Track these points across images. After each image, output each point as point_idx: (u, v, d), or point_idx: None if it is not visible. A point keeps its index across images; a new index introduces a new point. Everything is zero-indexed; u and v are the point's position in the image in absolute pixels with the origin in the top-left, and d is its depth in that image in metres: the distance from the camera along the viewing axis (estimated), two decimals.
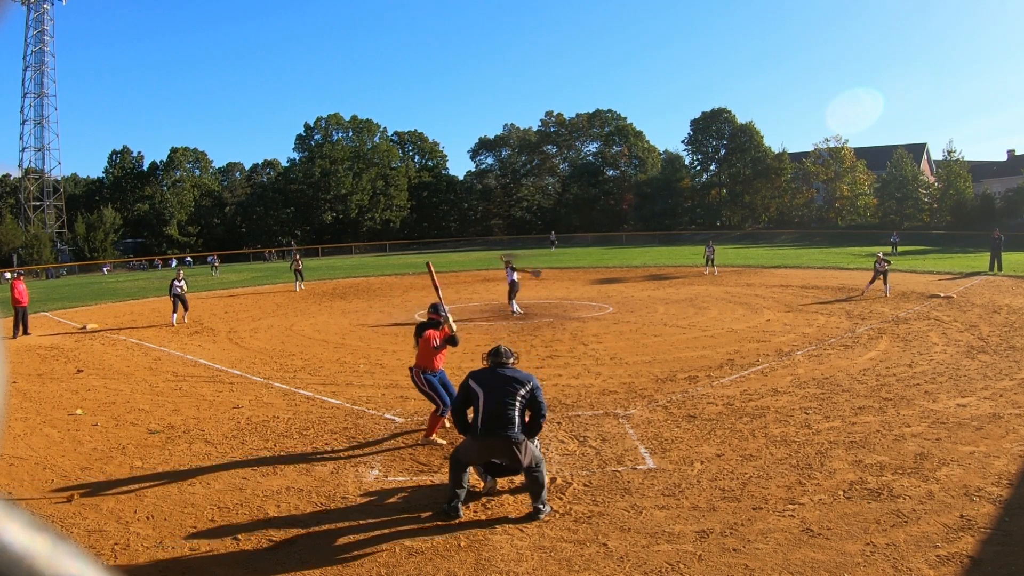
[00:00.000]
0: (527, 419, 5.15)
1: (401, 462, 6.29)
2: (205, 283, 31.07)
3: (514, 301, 16.25)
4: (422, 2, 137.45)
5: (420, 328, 7.03)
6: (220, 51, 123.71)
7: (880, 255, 18.27)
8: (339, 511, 5.21)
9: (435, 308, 7.03)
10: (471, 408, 5.26)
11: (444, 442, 6.67)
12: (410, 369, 6.89)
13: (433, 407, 6.74)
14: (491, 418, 5.01)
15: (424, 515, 5.10)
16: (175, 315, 16.60)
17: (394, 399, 8.56)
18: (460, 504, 5.04)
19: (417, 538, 4.72)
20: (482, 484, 5.49)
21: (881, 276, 17.71)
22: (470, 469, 5.22)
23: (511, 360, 5.30)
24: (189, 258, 55.58)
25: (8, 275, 44.24)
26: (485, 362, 5.41)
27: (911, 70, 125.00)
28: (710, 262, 26.29)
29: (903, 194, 52.15)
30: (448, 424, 6.96)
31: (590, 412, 7.68)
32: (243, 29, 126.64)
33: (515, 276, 16.28)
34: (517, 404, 5.04)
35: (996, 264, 23.70)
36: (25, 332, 15.34)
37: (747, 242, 51.15)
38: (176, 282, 16.65)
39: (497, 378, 5.14)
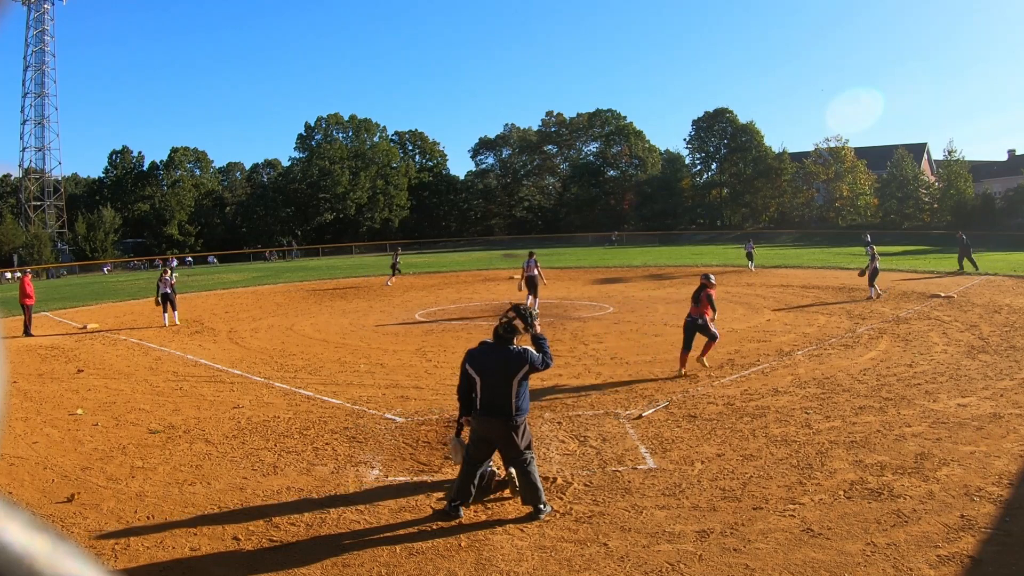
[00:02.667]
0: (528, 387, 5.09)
1: (401, 462, 6.29)
2: (205, 283, 31.08)
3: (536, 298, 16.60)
4: (422, 2, 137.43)
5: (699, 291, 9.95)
6: (220, 51, 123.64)
7: (868, 239, 18.20)
8: (339, 511, 5.21)
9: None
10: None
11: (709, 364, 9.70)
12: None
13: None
14: (490, 401, 5.00)
15: (424, 515, 5.10)
16: (166, 315, 16.34)
17: (394, 399, 8.56)
18: (462, 506, 5.04)
19: (417, 538, 4.72)
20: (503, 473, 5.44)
21: (868, 273, 17.07)
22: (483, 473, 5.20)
23: (513, 336, 5.11)
24: (189, 258, 55.60)
25: (14, 274, 44.32)
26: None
27: (911, 70, 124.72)
28: (751, 258, 27.23)
29: (904, 194, 52.13)
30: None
31: (591, 412, 7.68)
32: (243, 29, 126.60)
33: (537, 270, 16.63)
34: (514, 386, 4.96)
35: (968, 264, 23.34)
36: (27, 332, 15.35)
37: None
38: (164, 279, 16.27)
39: (494, 361, 5.02)
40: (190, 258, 55.75)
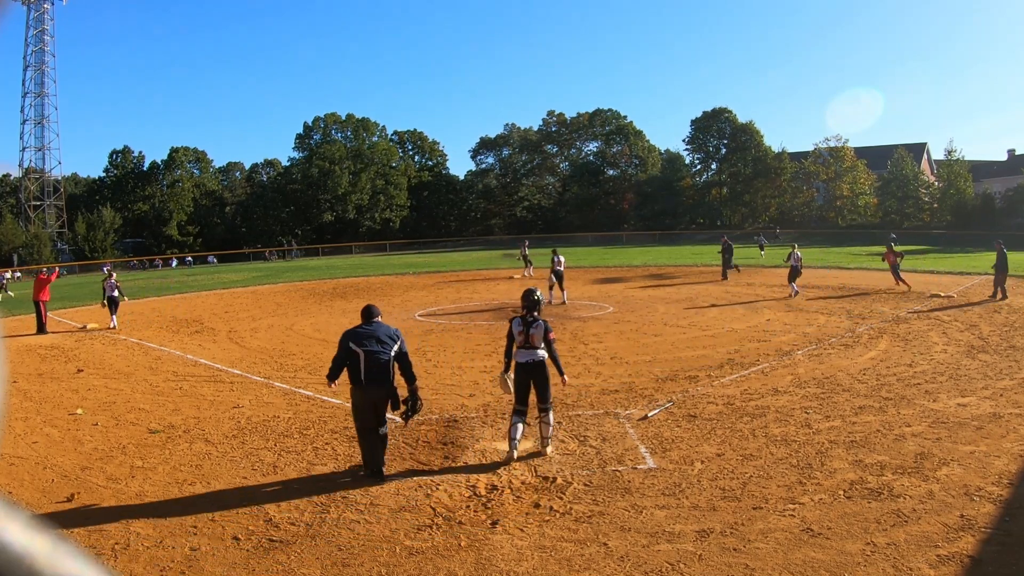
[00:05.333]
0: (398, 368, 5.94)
1: (401, 462, 6.29)
2: (205, 283, 31.05)
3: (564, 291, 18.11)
4: (422, 2, 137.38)
5: None
6: (220, 51, 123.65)
7: (795, 247, 18.61)
8: (339, 511, 5.21)
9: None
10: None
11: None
12: None
13: None
14: (372, 371, 5.74)
15: (424, 515, 5.10)
16: (114, 317, 16.18)
17: None
18: (381, 465, 5.80)
19: (417, 538, 4.72)
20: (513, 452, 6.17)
21: (791, 271, 17.92)
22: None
23: (378, 316, 6.14)
24: (189, 258, 55.60)
25: (14, 274, 44.31)
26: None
27: (911, 70, 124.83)
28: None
29: (904, 194, 52.13)
30: None
31: (590, 412, 7.68)
32: (243, 29, 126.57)
33: (560, 266, 18.09)
34: (391, 357, 5.83)
35: (724, 272, 22.98)
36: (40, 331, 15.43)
37: (747, 241, 51.15)
38: (109, 283, 16.12)
39: (373, 337, 5.86)
40: (190, 258, 55.70)
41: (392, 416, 7.76)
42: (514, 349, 6.31)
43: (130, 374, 10.77)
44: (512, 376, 6.32)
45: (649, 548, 4.44)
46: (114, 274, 17.32)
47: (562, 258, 18.31)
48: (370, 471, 5.80)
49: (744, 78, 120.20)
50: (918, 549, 4.26)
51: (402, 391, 5.96)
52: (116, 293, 16.21)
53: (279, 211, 65.94)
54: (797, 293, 17.72)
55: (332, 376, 6.04)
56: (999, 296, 15.77)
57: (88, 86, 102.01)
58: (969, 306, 15.02)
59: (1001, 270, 15.94)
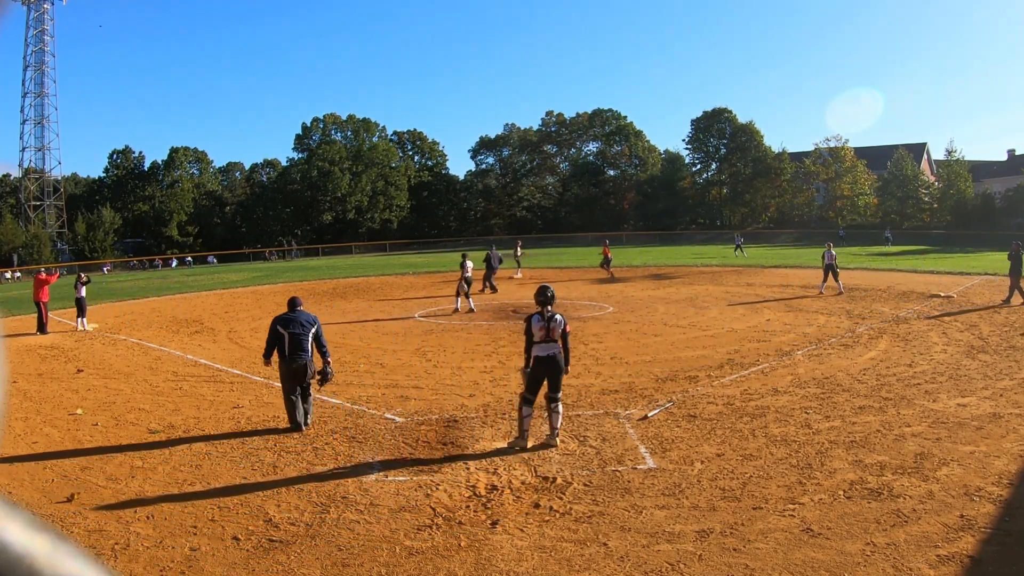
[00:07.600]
0: (314, 348, 7.44)
1: (401, 462, 6.29)
2: (205, 283, 31.06)
3: (465, 297, 17.32)
4: (422, 2, 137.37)
5: None
6: (220, 51, 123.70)
7: (829, 246, 18.67)
8: (339, 511, 5.21)
9: None
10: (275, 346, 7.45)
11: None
12: None
13: None
14: (293, 349, 7.21)
15: (424, 515, 5.10)
16: (79, 320, 16.02)
17: (394, 399, 8.56)
18: (301, 421, 7.24)
19: (417, 538, 4.72)
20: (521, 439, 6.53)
21: (831, 272, 18.16)
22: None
23: (300, 306, 7.58)
24: (189, 258, 55.61)
25: (14, 274, 44.31)
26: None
27: (911, 70, 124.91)
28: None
29: (904, 194, 52.18)
30: None
31: (590, 412, 7.68)
32: (243, 29, 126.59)
33: (469, 272, 17.22)
34: (309, 338, 7.33)
35: (484, 283, 21.34)
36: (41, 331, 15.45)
37: (747, 242, 51.12)
38: (79, 285, 15.95)
39: (295, 322, 7.35)
40: (190, 258, 55.72)
41: (393, 416, 7.78)
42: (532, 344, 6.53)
43: (130, 374, 10.77)
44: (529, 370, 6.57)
45: (649, 548, 4.44)
46: (83, 274, 17.16)
47: (471, 263, 17.49)
48: (293, 427, 7.23)
49: (744, 78, 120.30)
50: (918, 549, 4.26)
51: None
52: (83, 294, 16.06)
53: (279, 211, 65.92)
54: (823, 292, 18.13)
55: (267, 356, 7.45)
56: (1019, 301, 14.85)
57: (88, 86, 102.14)
58: (969, 306, 15.02)
59: (1016, 273, 15.09)
